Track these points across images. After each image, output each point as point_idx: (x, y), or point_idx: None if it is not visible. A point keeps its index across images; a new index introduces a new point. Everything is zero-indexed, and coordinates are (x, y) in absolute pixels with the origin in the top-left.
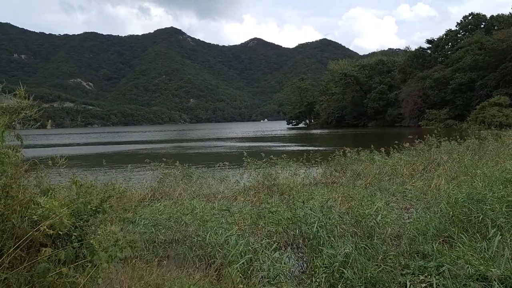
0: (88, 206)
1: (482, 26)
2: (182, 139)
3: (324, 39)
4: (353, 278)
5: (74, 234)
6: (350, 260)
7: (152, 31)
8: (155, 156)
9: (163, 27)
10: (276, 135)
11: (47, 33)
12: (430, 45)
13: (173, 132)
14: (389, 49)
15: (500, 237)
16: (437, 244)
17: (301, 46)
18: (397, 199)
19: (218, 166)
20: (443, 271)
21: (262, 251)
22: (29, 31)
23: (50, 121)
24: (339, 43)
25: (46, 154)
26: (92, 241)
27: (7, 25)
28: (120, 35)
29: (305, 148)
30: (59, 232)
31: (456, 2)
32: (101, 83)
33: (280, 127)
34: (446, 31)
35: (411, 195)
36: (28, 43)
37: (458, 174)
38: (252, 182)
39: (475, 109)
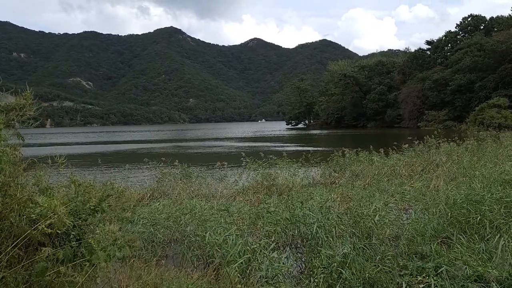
0: (87, 205)
1: (482, 27)
2: (181, 139)
3: (324, 40)
4: (352, 279)
5: (73, 233)
6: (349, 261)
7: (151, 31)
8: (154, 156)
9: (163, 27)
10: (275, 135)
11: (47, 32)
12: (430, 46)
13: (172, 132)
14: (389, 50)
15: (503, 242)
16: (435, 245)
17: (300, 47)
18: (396, 200)
19: (217, 166)
20: (441, 271)
21: (261, 251)
22: (29, 30)
23: (49, 120)
24: (339, 44)
25: (44, 153)
26: (90, 240)
27: (7, 23)
28: (119, 35)
29: (304, 148)
30: (58, 231)
31: (456, 3)
32: (100, 82)
33: (279, 128)
34: (445, 33)
35: (409, 196)
36: (28, 42)
37: (456, 175)
38: (251, 182)
39: (474, 110)
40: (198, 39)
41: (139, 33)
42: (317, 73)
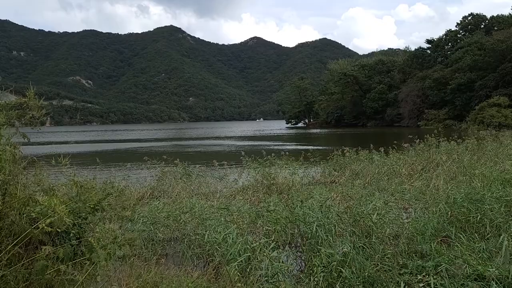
0: (87, 204)
1: (482, 26)
2: (180, 137)
3: (324, 39)
4: (351, 277)
5: (73, 231)
6: (348, 260)
7: (151, 30)
8: (154, 155)
9: (163, 25)
10: (275, 134)
11: (47, 30)
12: (430, 45)
13: (172, 131)
14: (389, 49)
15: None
16: (435, 243)
17: (300, 46)
18: (396, 199)
19: (217, 165)
20: (441, 270)
21: (260, 249)
22: (29, 28)
23: (49, 118)
24: (339, 42)
25: (43, 152)
26: (90, 239)
27: (7, 22)
28: (119, 33)
29: (304, 147)
30: (58, 229)
31: (455, 2)
32: (100, 81)
33: (279, 127)
34: (446, 31)
35: (409, 195)
36: (28, 40)
37: (457, 174)
38: (250, 181)
39: (474, 109)
40: (198, 38)
41: (139, 32)
42: (317, 72)
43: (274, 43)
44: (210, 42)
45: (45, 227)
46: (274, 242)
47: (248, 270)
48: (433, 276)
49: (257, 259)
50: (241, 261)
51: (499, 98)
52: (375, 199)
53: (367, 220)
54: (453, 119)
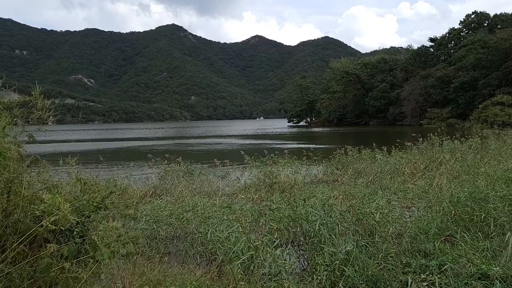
0: (91, 202)
1: (486, 24)
2: (182, 136)
3: (326, 37)
4: (354, 276)
5: (76, 230)
6: (351, 258)
7: (153, 28)
8: (156, 153)
9: (164, 24)
10: (277, 133)
11: (49, 29)
12: (433, 44)
13: (173, 130)
14: (391, 47)
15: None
16: (438, 242)
17: (302, 44)
18: (399, 197)
19: (219, 164)
20: (445, 269)
21: (263, 248)
22: (31, 27)
23: (51, 117)
24: (341, 41)
25: (46, 151)
26: (94, 237)
27: (9, 21)
28: (121, 32)
29: (306, 146)
30: (61, 228)
31: (457, 0)
32: (102, 79)
33: (280, 125)
34: (449, 30)
35: (412, 194)
36: (30, 39)
37: (460, 173)
38: (252, 180)
39: (477, 108)
40: (200, 36)
41: (141, 31)
42: (319, 70)
43: (275, 41)
44: (211, 40)
45: (49, 225)
46: (278, 240)
47: (251, 268)
48: (437, 275)
49: (260, 257)
50: (244, 259)
51: (503, 97)
52: (378, 198)
53: (370, 219)
54: (456, 117)
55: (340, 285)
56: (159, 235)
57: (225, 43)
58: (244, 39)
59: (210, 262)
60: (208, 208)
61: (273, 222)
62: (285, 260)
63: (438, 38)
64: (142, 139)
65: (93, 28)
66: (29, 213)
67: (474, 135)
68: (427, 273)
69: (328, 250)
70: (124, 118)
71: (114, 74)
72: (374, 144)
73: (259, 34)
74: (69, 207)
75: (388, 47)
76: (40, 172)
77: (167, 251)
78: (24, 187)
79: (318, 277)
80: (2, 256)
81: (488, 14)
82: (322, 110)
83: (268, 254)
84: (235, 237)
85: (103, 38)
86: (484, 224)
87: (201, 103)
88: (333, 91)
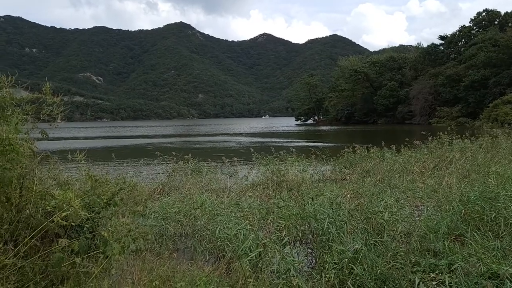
0: (101, 197)
1: (496, 22)
2: (190, 134)
3: (335, 35)
4: (363, 275)
5: (86, 225)
6: (360, 257)
7: (161, 26)
8: (164, 151)
9: (172, 22)
10: (285, 131)
11: (58, 27)
12: (443, 42)
13: (181, 127)
14: (400, 45)
15: None
16: (448, 242)
17: (310, 42)
18: (407, 196)
19: (227, 162)
20: (455, 268)
21: (271, 245)
22: (40, 25)
23: (59, 114)
24: (350, 39)
25: (56, 148)
26: (104, 233)
27: (19, 19)
28: (129, 30)
29: (314, 144)
30: (72, 223)
31: None
32: (110, 77)
33: (288, 124)
34: (459, 27)
35: (421, 192)
36: (40, 37)
37: (470, 172)
38: (260, 178)
39: (488, 107)
40: (207, 34)
41: (149, 29)
42: (327, 68)
43: (283, 39)
44: (219, 38)
45: (60, 220)
46: (287, 238)
47: (259, 265)
48: (447, 274)
49: (268, 255)
50: (252, 256)
51: None
52: (387, 197)
53: (379, 218)
54: (466, 116)
55: (348, 283)
56: (167, 232)
57: (232, 41)
58: (252, 37)
59: (219, 259)
60: (216, 205)
61: (281, 220)
62: (293, 258)
63: (448, 36)
64: (150, 137)
65: (101, 26)
66: (40, 208)
67: (484, 134)
68: (436, 272)
69: (337, 248)
70: (132, 116)
71: (122, 72)
72: (383, 142)
73: (267, 32)
74: (80, 203)
75: (397, 45)
76: (51, 168)
77: (175, 248)
78: (36, 183)
79: (327, 275)
80: (15, 250)
81: (499, 12)
82: (330, 108)
83: (277, 252)
84: (243, 235)
85: (111, 36)
86: (494, 223)
87: (208, 101)
88: (341, 90)
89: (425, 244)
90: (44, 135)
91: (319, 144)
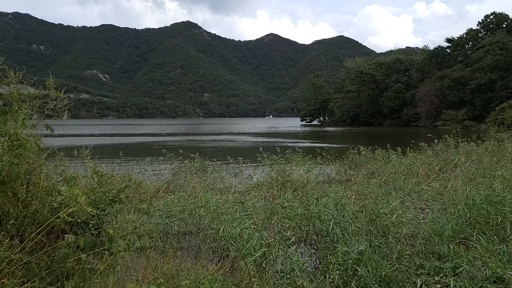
0: (107, 194)
1: (504, 25)
2: (195, 132)
3: (341, 36)
4: (367, 276)
5: (92, 222)
6: (364, 258)
7: (168, 25)
8: (169, 149)
9: (179, 21)
10: (290, 132)
11: (66, 24)
12: (450, 44)
13: (186, 126)
14: (407, 47)
15: None
16: (453, 245)
17: (317, 43)
18: (413, 199)
19: (232, 161)
20: (459, 272)
21: (276, 245)
22: (48, 22)
23: (66, 111)
24: (356, 40)
25: (61, 144)
26: (109, 230)
27: (27, 16)
28: (136, 28)
29: (319, 145)
30: (78, 219)
31: (475, 0)
32: (117, 75)
33: (293, 124)
34: (467, 30)
35: (426, 195)
36: (47, 34)
37: (475, 175)
38: (265, 178)
39: (494, 110)
40: (214, 34)
41: (156, 27)
42: (333, 69)
43: (290, 40)
44: (226, 38)
45: (66, 216)
46: (293, 237)
47: (263, 265)
48: (451, 278)
49: (272, 255)
50: (257, 256)
51: None
52: (392, 199)
53: (384, 219)
54: (472, 119)
55: (352, 284)
56: (172, 230)
57: (239, 41)
58: (258, 37)
59: (223, 258)
60: (220, 204)
61: (285, 220)
62: (298, 258)
63: (455, 38)
64: (155, 135)
65: (108, 24)
66: (46, 204)
67: (491, 138)
68: (441, 275)
69: (341, 249)
70: (137, 114)
71: (129, 70)
72: (388, 144)
73: (274, 32)
74: (86, 199)
75: (403, 47)
76: (57, 164)
77: (179, 246)
78: (43, 179)
79: (331, 276)
80: (21, 246)
81: (507, 15)
82: (335, 109)
83: (281, 252)
84: (248, 234)
85: (118, 34)
86: (500, 227)
87: (214, 100)
88: (347, 91)
89: (430, 247)
90: (49, 130)
91: (325, 145)
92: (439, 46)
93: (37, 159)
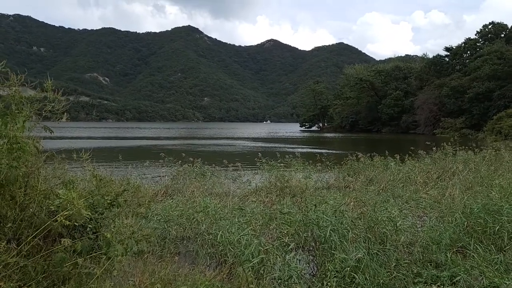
0: (105, 198)
1: (503, 35)
2: (194, 136)
3: (341, 43)
4: (365, 284)
5: (89, 226)
6: (362, 266)
7: (169, 29)
8: (167, 153)
9: (180, 25)
10: (289, 137)
11: (67, 27)
12: (448, 53)
13: (186, 130)
14: (406, 55)
15: None
16: (450, 253)
17: (317, 49)
18: (411, 206)
19: (231, 166)
20: (456, 281)
21: (274, 252)
22: (49, 24)
23: (65, 114)
24: (356, 47)
25: (60, 147)
26: (107, 234)
27: (28, 18)
28: (137, 32)
29: (318, 151)
30: (75, 223)
31: (473, 10)
32: (117, 78)
33: (293, 129)
34: (465, 39)
35: (425, 203)
36: (48, 36)
37: (473, 184)
38: (264, 183)
39: (492, 119)
40: (215, 39)
41: (157, 31)
42: (333, 76)
43: (290, 45)
44: (226, 43)
45: (63, 220)
46: (293, 244)
47: (261, 271)
48: (448, 286)
49: (271, 261)
50: (255, 262)
51: None
52: (390, 206)
53: (382, 227)
54: (470, 128)
55: None
56: (169, 235)
57: (240, 46)
58: (259, 42)
59: (220, 264)
60: (219, 209)
61: (284, 226)
62: (296, 265)
63: (454, 47)
64: (154, 139)
65: (109, 27)
66: (44, 207)
67: (488, 147)
68: (438, 284)
69: (339, 256)
70: (137, 117)
71: (129, 73)
72: (387, 152)
73: (274, 38)
74: (83, 202)
75: (402, 55)
76: (56, 167)
77: (177, 251)
78: (41, 182)
79: (328, 283)
80: (18, 249)
81: (506, 25)
82: (334, 115)
83: (279, 258)
84: (246, 240)
85: (119, 37)
86: (497, 237)
87: (214, 105)
88: (347, 97)
89: (428, 255)
90: (49, 131)
91: (323, 150)
92: (438, 55)
93: (35, 162)
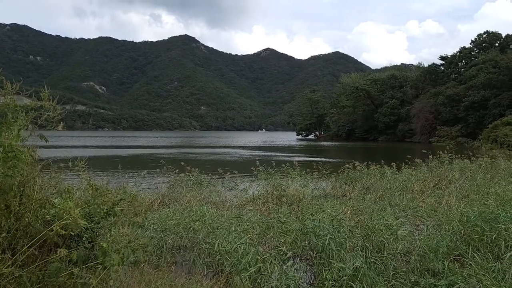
0: (102, 207)
1: (497, 44)
2: (191, 145)
3: (337, 52)
4: None
5: (85, 235)
6: (360, 275)
7: (165, 38)
8: (164, 162)
9: (177, 35)
10: (286, 146)
11: (63, 36)
12: (444, 62)
13: (182, 139)
14: (402, 64)
15: None
16: (448, 262)
17: (313, 58)
18: (408, 215)
19: (228, 174)
20: None
21: (271, 261)
22: (46, 34)
23: (61, 123)
24: (352, 56)
25: (57, 155)
26: (103, 243)
27: (25, 27)
28: (134, 41)
29: (314, 159)
30: (71, 233)
31: (467, 20)
32: (113, 87)
33: (289, 138)
34: (460, 48)
35: (421, 211)
36: (44, 45)
37: (469, 192)
38: (260, 192)
39: (487, 127)
40: (212, 48)
41: (153, 40)
42: (329, 85)
43: (286, 54)
44: (223, 52)
45: (59, 229)
46: (290, 253)
47: (258, 281)
48: None
49: (268, 270)
50: (252, 272)
51: None
52: (387, 215)
53: (379, 235)
54: (466, 136)
55: None
56: (166, 244)
57: (236, 55)
58: (255, 51)
59: (217, 274)
60: (216, 218)
61: (281, 235)
62: (293, 274)
63: (449, 56)
64: (150, 147)
65: (106, 37)
66: (39, 217)
67: (484, 155)
68: None
69: (337, 265)
70: (133, 126)
71: (126, 82)
72: (383, 160)
73: (271, 47)
74: (79, 212)
75: (398, 63)
76: (52, 176)
77: (174, 261)
78: (36, 191)
79: None
80: (13, 259)
81: (500, 34)
82: (331, 124)
83: (276, 267)
84: (243, 249)
85: (116, 46)
86: (494, 245)
87: (210, 113)
88: (343, 106)
89: (425, 263)
90: (44, 139)
91: (320, 159)
92: (433, 64)
93: (31, 171)
